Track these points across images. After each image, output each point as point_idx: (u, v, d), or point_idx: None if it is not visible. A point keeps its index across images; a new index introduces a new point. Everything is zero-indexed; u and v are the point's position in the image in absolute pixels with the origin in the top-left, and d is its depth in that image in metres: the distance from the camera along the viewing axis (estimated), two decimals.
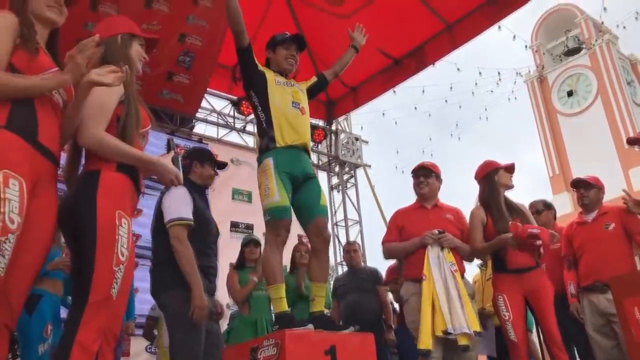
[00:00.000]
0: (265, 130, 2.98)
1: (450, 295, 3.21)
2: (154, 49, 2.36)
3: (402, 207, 3.79)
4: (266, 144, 2.96)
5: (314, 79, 3.41)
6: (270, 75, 3.07)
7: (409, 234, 3.51)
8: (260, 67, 3.09)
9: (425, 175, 3.66)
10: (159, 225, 2.94)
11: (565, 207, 19.24)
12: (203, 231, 3.02)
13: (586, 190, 3.98)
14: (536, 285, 3.50)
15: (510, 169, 3.76)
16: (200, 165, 3.25)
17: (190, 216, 2.91)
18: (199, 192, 3.19)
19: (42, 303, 3.84)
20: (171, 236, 2.82)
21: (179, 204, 2.94)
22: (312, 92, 3.32)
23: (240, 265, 4.67)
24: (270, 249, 2.86)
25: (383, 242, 3.69)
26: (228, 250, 5.72)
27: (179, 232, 2.83)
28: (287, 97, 3.04)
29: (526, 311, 3.55)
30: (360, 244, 8.10)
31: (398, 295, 4.07)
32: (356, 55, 3.53)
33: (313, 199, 3.00)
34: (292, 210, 2.91)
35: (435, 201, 3.67)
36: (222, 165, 3.43)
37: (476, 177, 3.83)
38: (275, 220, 2.85)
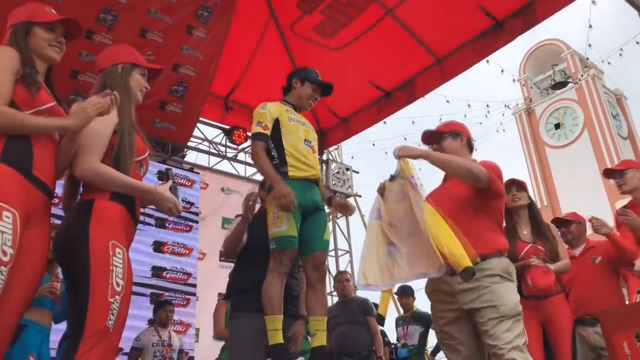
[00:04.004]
0: (277, 166, 2.99)
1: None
2: (157, 78, 2.37)
3: None
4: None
5: None
6: (283, 115, 3.07)
7: None
8: (274, 113, 3.06)
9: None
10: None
11: None
12: (250, 255, 3.20)
13: (567, 227, 4.04)
14: (553, 315, 3.46)
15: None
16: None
17: None
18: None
19: (26, 333, 3.72)
20: None
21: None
22: None
23: (229, 296, 4.63)
24: (272, 278, 2.84)
25: None
26: (218, 280, 5.68)
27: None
28: (299, 134, 3.07)
29: (544, 339, 3.47)
30: (351, 273, 8.07)
31: None
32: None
33: (316, 232, 3.01)
34: (297, 240, 2.89)
35: None
36: None
37: None
38: (281, 249, 2.85)
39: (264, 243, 3.01)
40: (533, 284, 3.41)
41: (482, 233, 2.66)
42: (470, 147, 2.94)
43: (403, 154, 2.70)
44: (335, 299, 5.86)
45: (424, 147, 2.97)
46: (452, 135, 2.90)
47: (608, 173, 3.87)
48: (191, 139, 7.59)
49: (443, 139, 2.90)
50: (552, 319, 3.45)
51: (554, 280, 3.42)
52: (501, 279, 2.63)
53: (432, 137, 2.96)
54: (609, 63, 18.38)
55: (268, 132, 3.00)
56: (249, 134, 7.74)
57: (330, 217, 9.04)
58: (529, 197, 3.77)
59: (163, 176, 2.22)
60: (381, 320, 3.00)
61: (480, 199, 2.69)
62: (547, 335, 3.48)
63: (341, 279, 5.55)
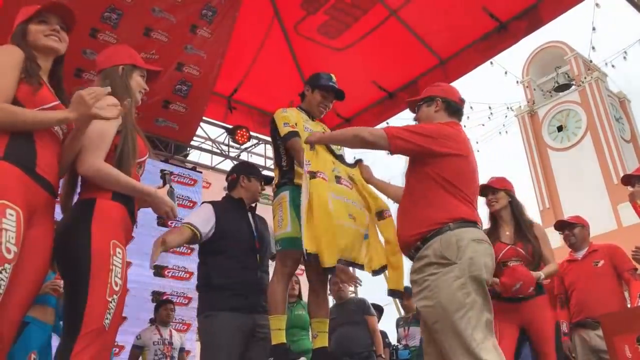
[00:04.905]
0: (284, 172, 3.04)
1: None
2: (156, 80, 2.38)
3: None
4: (284, 181, 3.02)
5: None
6: (299, 123, 3.07)
7: None
8: (294, 118, 3.08)
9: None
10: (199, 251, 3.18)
11: (556, 241, 19.20)
12: (224, 248, 3.03)
13: (570, 230, 4.03)
14: (534, 317, 3.34)
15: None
16: (247, 180, 3.30)
17: (197, 225, 2.98)
18: (238, 208, 3.21)
19: (28, 331, 3.73)
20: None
21: (193, 213, 3.18)
22: None
23: None
24: (277, 279, 2.90)
25: None
26: None
27: (181, 227, 2.97)
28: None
29: (519, 344, 3.38)
30: None
31: None
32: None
33: None
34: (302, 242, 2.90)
35: None
36: (269, 180, 3.42)
37: None
38: (285, 250, 2.89)
39: (239, 235, 3.05)
40: (502, 283, 3.27)
41: (419, 211, 2.30)
42: (452, 110, 2.56)
43: (307, 141, 2.78)
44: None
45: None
46: (426, 101, 2.61)
47: (627, 179, 3.74)
48: (194, 138, 7.58)
49: (418, 109, 2.66)
50: (533, 322, 3.34)
51: (528, 279, 3.26)
52: (438, 267, 2.15)
53: (412, 108, 2.74)
54: (612, 66, 18.27)
55: (298, 130, 3.01)
56: (252, 133, 7.76)
57: None
58: (510, 195, 3.55)
59: (162, 178, 2.23)
60: (398, 294, 2.92)
61: (418, 167, 2.38)
62: (530, 338, 3.38)
63: (336, 281, 5.51)
